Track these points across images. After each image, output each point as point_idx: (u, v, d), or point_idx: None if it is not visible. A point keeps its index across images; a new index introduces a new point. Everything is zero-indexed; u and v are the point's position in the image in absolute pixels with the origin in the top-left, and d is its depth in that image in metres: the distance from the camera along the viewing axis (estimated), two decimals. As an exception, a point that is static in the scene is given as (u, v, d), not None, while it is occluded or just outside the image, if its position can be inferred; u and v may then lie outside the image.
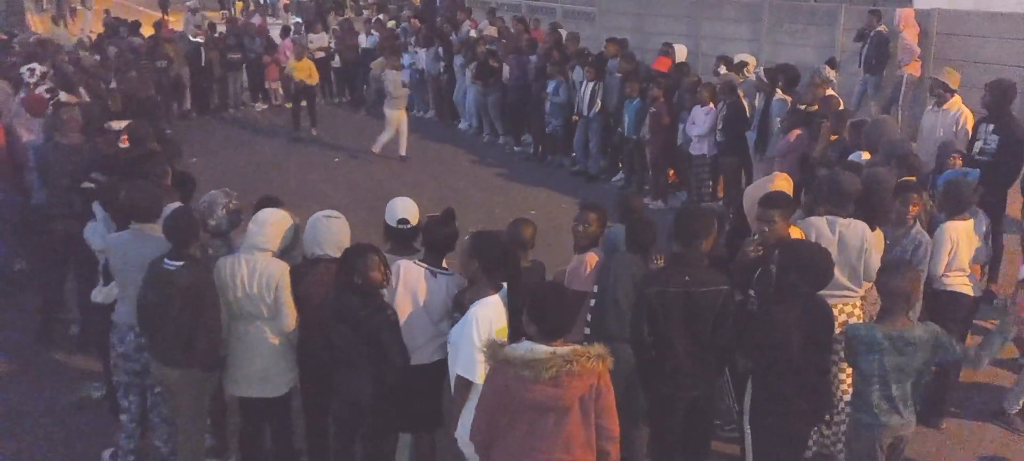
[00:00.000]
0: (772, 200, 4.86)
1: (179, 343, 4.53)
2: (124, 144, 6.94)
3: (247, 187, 6.41)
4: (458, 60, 14.32)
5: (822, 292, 4.30)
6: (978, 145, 7.14)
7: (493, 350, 3.44)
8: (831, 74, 9.21)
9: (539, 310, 3.42)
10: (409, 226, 4.76)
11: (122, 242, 4.96)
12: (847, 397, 5.17)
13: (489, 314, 3.87)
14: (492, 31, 15.52)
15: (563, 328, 3.43)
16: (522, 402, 3.35)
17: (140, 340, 4.91)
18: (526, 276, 4.43)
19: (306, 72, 14.10)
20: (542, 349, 3.33)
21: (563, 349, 3.34)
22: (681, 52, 12.20)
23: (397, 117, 12.70)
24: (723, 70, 10.68)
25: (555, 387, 3.30)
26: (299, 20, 20.79)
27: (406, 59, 15.64)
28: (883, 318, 4.10)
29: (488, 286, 4.02)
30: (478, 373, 3.77)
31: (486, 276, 3.99)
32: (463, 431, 3.94)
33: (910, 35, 11.57)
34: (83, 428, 5.74)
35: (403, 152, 12.72)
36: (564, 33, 13.84)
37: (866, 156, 6.66)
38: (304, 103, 14.41)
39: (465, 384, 3.87)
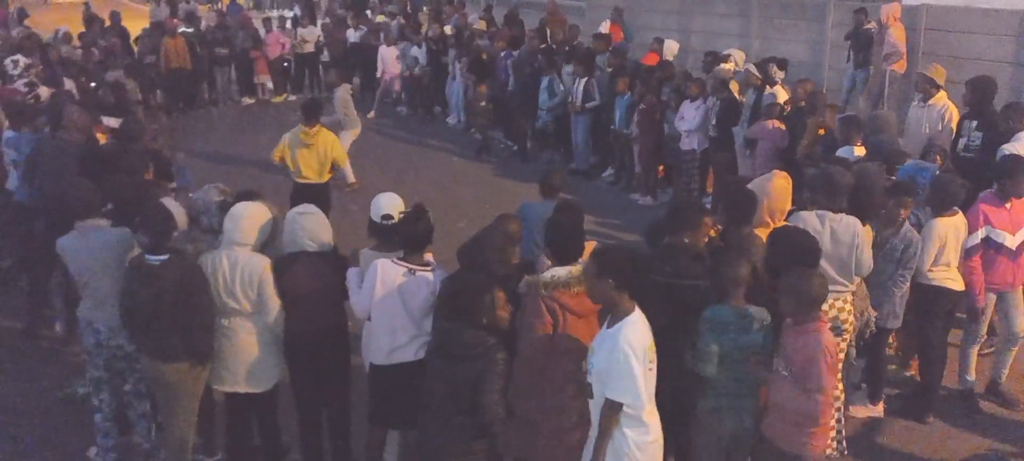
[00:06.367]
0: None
1: (173, 337, 4.50)
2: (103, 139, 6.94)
3: (236, 184, 6.37)
4: (451, 53, 14.31)
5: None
6: (962, 142, 7.17)
7: (530, 284, 4.04)
8: (779, 75, 9.24)
9: (562, 241, 4.17)
10: (393, 222, 4.72)
11: (71, 244, 4.96)
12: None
13: (638, 330, 3.69)
14: (481, 25, 15.48)
15: (578, 254, 4.18)
16: (577, 311, 4.00)
17: (99, 337, 4.91)
18: (515, 270, 4.42)
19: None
20: (572, 268, 4.05)
21: (575, 267, 4.07)
22: (672, 48, 12.19)
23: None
24: (722, 66, 10.64)
25: (584, 295, 3.94)
26: (286, 13, 20.61)
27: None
28: (721, 301, 4.04)
29: (625, 303, 3.75)
30: (641, 392, 3.63)
31: (618, 293, 3.71)
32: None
33: (896, 33, 11.56)
34: (70, 425, 5.71)
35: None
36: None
37: (857, 151, 6.69)
38: None
39: (617, 408, 3.67)
